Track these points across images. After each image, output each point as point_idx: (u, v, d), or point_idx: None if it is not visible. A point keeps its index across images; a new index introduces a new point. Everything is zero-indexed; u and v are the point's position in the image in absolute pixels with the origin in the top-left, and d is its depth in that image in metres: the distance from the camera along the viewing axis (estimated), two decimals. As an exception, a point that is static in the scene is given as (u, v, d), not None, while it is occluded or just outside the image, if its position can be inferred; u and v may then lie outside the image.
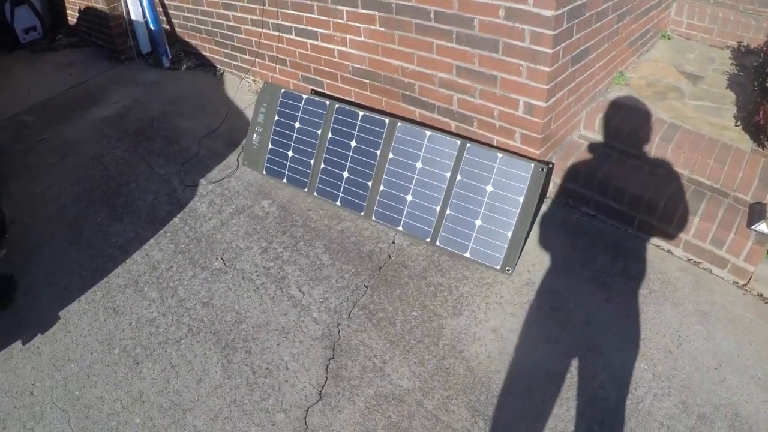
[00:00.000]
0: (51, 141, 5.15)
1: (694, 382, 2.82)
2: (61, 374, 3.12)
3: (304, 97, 4.04)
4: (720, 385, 2.81)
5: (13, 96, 6.11)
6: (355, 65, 4.19)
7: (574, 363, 2.89)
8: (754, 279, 3.28)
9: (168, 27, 6.17)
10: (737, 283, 3.33)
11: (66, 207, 4.30)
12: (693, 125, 3.85)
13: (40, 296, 3.57)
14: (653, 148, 3.70)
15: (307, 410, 2.79)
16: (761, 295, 3.27)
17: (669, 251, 3.51)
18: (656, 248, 3.53)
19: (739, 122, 3.91)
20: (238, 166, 4.47)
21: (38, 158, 4.93)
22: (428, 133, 3.57)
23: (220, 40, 5.52)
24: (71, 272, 3.72)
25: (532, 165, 3.26)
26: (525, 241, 3.40)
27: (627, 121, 3.82)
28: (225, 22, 5.29)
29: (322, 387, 2.88)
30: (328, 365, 2.98)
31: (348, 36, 4.08)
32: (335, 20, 4.10)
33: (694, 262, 3.44)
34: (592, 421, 2.67)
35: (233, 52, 5.45)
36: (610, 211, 3.64)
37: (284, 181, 4.16)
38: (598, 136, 3.91)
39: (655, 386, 2.81)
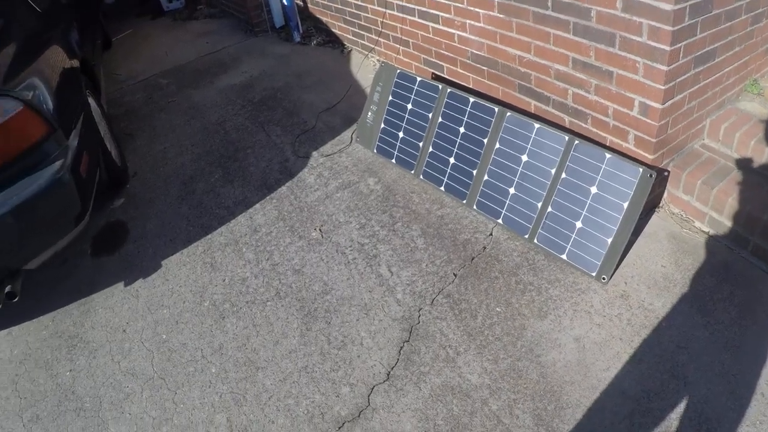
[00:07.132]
0: (180, 104, 5.44)
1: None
2: (153, 317, 3.31)
3: (418, 79, 4.02)
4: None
5: (152, 60, 6.49)
6: (474, 51, 4.12)
7: (654, 388, 2.68)
8: None
9: (301, 3, 6.32)
10: None
11: (184, 166, 4.52)
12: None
13: (147, 245, 3.80)
14: (784, 166, 3.41)
15: (373, 388, 2.80)
16: None
17: (784, 281, 3.21)
18: (769, 277, 3.25)
19: None
20: (350, 142, 4.53)
21: (166, 119, 5.22)
22: (536, 126, 3.46)
23: (348, 18, 5.59)
24: (178, 226, 3.92)
25: (641, 170, 3.09)
26: (625, 251, 3.23)
27: (755, 134, 3.54)
28: (352, 1, 5.34)
29: (392, 368, 2.88)
30: (402, 347, 2.97)
31: (468, 21, 4.01)
32: (456, 4, 4.04)
33: (811, 296, 3.14)
34: (665, 455, 2.48)
35: (360, 31, 5.51)
36: (724, 229, 3.38)
37: (393, 161, 4.17)
38: (722, 147, 3.64)
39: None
